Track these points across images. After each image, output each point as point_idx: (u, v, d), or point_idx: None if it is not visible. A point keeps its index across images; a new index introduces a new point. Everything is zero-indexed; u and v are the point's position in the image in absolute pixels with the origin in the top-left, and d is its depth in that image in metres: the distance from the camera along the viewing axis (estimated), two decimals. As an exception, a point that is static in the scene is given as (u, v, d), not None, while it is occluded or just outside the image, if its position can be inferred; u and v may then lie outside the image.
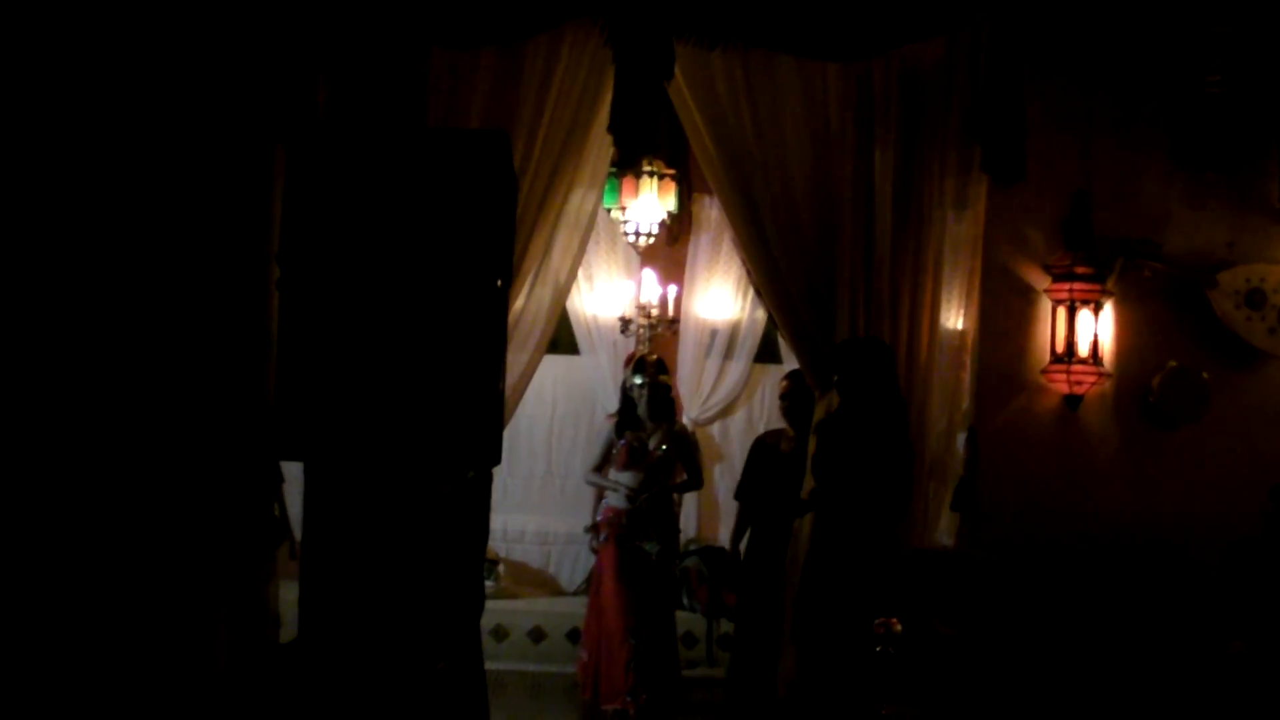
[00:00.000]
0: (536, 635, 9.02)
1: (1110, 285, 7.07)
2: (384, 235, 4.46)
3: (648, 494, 7.42)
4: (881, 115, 6.39)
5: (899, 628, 5.42)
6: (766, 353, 10.20)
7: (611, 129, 5.88)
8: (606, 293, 10.11)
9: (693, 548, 9.44)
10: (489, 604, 6.31)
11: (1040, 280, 7.10)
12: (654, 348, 9.33)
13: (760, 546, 7.14)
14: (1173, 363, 7.14)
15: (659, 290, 9.75)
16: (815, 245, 6.40)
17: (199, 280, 5.28)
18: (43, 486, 4.90)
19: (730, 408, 10.31)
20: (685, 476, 7.76)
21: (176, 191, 5.24)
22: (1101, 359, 7.07)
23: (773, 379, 9.80)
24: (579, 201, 6.40)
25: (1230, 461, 7.13)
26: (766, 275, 6.49)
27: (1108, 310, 7.12)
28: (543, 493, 10.23)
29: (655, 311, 9.69)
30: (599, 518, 7.56)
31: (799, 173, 6.39)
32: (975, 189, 6.48)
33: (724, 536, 9.23)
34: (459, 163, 4.54)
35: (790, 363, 8.08)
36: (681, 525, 8.44)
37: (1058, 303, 7.07)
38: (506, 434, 5.32)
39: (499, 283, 4.71)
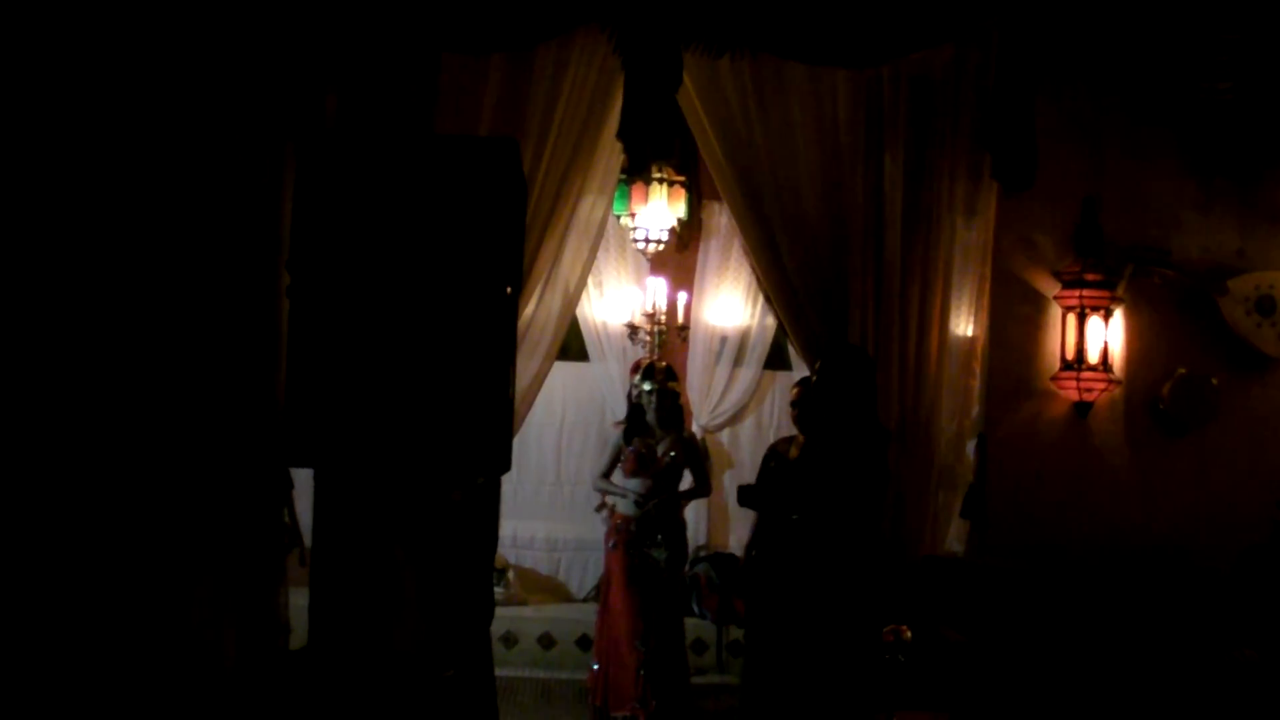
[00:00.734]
0: (546, 642, 9.02)
1: (1120, 292, 7.07)
2: (394, 242, 4.47)
3: (656, 500, 7.43)
4: (891, 122, 6.39)
5: (909, 634, 5.42)
6: (776, 359, 10.20)
7: (621, 136, 5.89)
8: (616, 299, 10.11)
9: (703, 554, 9.44)
10: (499, 611, 6.29)
11: (1050, 287, 7.10)
12: (663, 355, 9.33)
13: (769, 553, 7.12)
14: (1182, 369, 7.14)
15: (667, 297, 9.75)
16: (825, 252, 6.40)
17: (210, 287, 5.30)
18: (53, 492, 4.92)
19: (740, 414, 10.30)
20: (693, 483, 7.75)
21: (188, 199, 5.26)
22: (1111, 366, 7.07)
23: (782, 385, 9.81)
24: (589, 208, 6.41)
25: (1240, 468, 7.12)
26: (776, 282, 6.49)
27: (1118, 317, 7.12)
28: (552, 499, 10.23)
29: (663, 318, 9.69)
30: (605, 514, 7.59)
31: (808, 179, 6.39)
32: (985, 196, 6.49)
33: (734, 543, 9.24)
34: (469, 170, 4.55)
35: (800, 369, 8.07)
36: (690, 532, 8.43)
37: (1068, 309, 7.06)
38: (516, 441, 5.33)
39: (509, 290, 4.71)
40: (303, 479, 5.42)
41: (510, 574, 9.53)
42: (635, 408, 7.63)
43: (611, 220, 8.72)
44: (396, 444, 4.48)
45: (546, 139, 6.12)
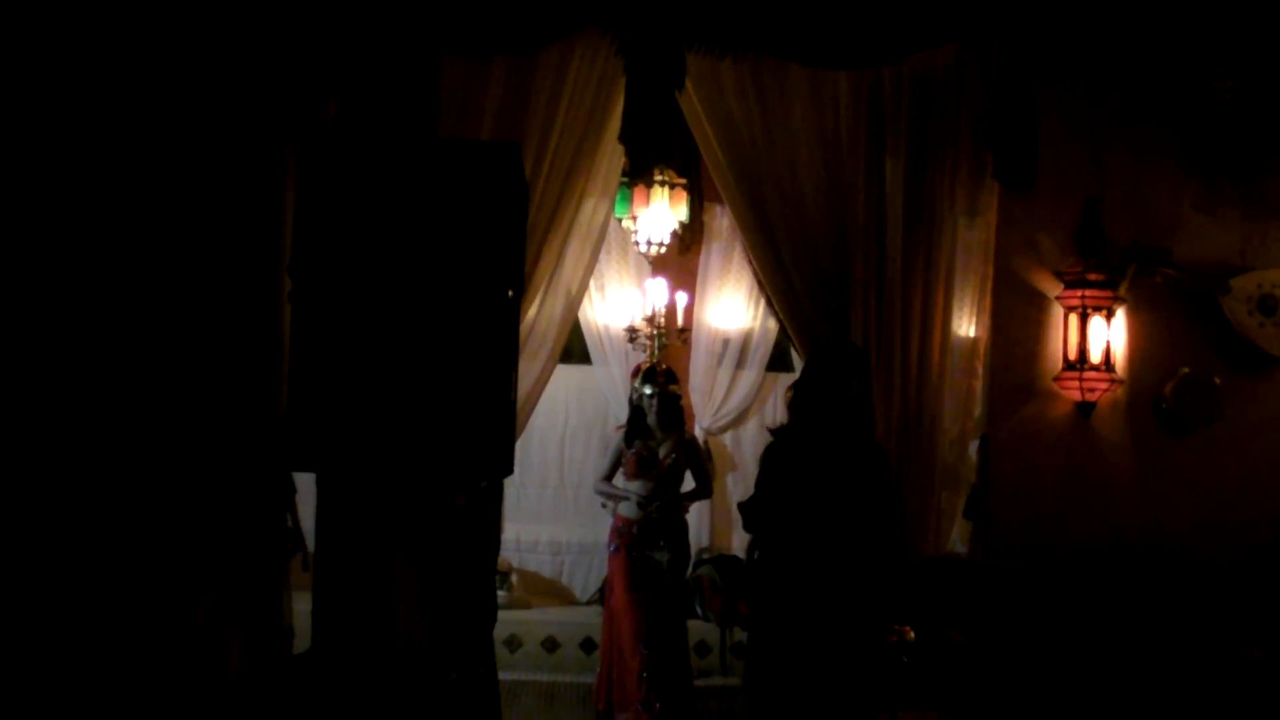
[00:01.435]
0: (550, 645, 9.00)
1: (1122, 292, 7.06)
2: (396, 247, 4.47)
3: (658, 503, 7.43)
4: (892, 123, 6.39)
5: (913, 635, 5.41)
6: (779, 361, 10.17)
7: (622, 139, 5.89)
8: (618, 302, 10.10)
9: (706, 556, 9.42)
10: (502, 614, 6.28)
11: (1052, 287, 7.10)
12: (665, 357, 9.32)
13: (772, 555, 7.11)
14: (1185, 369, 7.13)
15: (668, 299, 9.74)
16: (826, 253, 6.40)
17: (212, 292, 5.29)
18: (56, 497, 4.92)
19: (742, 417, 10.28)
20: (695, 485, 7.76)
21: (189, 204, 5.25)
22: (1114, 365, 7.06)
23: (785, 388, 9.78)
24: (590, 211, 6.40)
25: (1243, 467, 7.12)
26: (777, 284, 6.48)
27: (1120, 317, 7.11)
28: (555, 503, 10.20)
29: (662, 321, 9.69)
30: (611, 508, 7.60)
31: (809, 181, 6.39)
32: (987, 196, 6.49)
33: (737, 545, 9.22)
34: (470, 173, 4.55)
35: (802, 371, 8.06)
36: (693, 534, 8.43)
37: (1070, 309, 7.06)
38: (519, 444, 5.33)
39: (511, 293, 4.71)
40: (305, 483, 5.43)
41: (513, 577, 9.52)
42: (636, 411, 7.65)
43: (613, 223, 8.71)
44: (399, 448, 4.48)
45: (548, 142, 6.11)
